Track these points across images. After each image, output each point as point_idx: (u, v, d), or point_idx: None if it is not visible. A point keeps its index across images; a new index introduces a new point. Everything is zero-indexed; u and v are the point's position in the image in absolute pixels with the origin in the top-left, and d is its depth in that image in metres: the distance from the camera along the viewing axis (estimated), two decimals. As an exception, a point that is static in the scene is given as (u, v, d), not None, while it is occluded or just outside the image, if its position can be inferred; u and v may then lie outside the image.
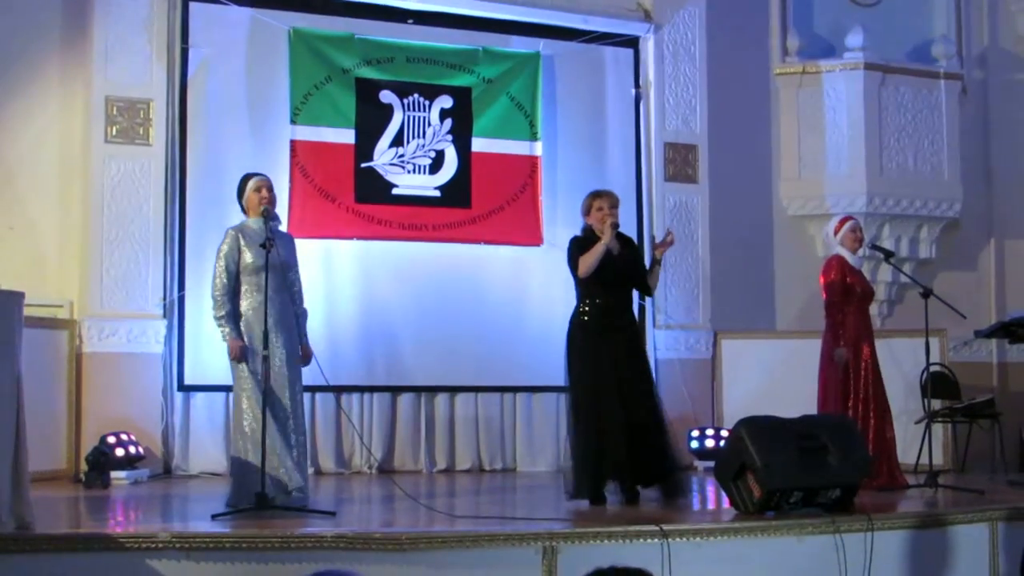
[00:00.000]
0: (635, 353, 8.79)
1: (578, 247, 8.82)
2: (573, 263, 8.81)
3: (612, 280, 8.72)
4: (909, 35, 13.83)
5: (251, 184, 8.56)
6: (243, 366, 8.28)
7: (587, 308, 8.75)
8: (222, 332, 8.38)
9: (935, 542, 7.79)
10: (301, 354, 8.51)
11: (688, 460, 11.42)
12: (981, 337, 12.06)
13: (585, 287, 8.75)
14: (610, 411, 8.45)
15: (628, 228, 10.11)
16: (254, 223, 8.48)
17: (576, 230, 9.03)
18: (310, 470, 10.40)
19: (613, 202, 8.90)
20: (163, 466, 10.90)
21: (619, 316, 8.79)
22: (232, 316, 8.36)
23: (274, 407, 8.18)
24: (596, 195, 8.96)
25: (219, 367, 9.74)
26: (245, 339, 8.28)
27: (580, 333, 8.73)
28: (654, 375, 9.38)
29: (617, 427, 8.41)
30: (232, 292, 8.40)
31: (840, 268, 10.11)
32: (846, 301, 10.04)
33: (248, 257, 8.33)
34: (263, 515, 7.56)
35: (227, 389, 9.93)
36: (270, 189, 8.56)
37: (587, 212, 8.91)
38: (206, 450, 10.96)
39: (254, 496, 7.84)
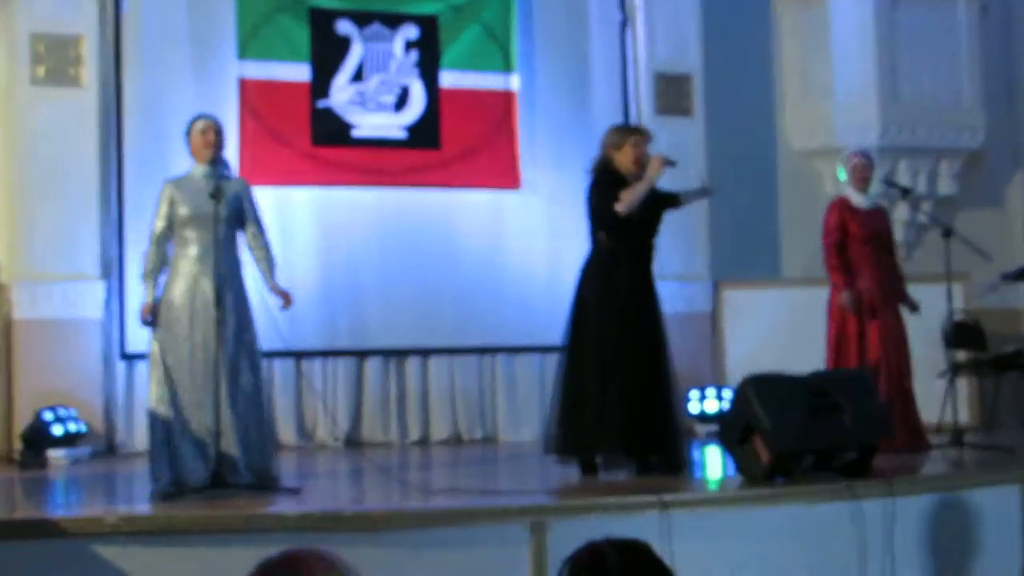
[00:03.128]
0: (653, 309, 8.74)
1: (603, 182, 8.70)
2: (599, 196, 8.67)
3: (637, 222, 8.67)
4: (923, -53, 13.83)
5: (196, 126, 8.51)
6: (157, 333, 8.26)
7: (607, 252, 8.66)
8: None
9: (962, 506, 7.84)
10: (279, 296, 8.43)
11: (689, 425, 11.46)
12: (1008, 281, 12.13)
13: (606, 228, 8.67)
14: (621, 371, 8.44)
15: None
16: (198, 171, 8.43)
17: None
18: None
19: (648, 138, 8.89)
20: (106, 443, 10.91)
21: (641, 265, 8.76)
22: (153, 275, 8.35)
23: (216, 381, 8.19)
24: (631, 130, 8.93)
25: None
26: (178, 302, 8.23)
27: (596, 281, 8.65)
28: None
29: (626, 391, 8.42)
30: (163, 249, 8.39)
31: (838, 209, 10.23)
32: (850, 245, 10.11)
33: (183, 210, 8.28)
34: (220, 495, 7.57)
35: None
36: (218, 132, 8.51)
37: (616, 146, 8.75)
38: (153, 425, 10.95)
39: (166, 482, 7.94)
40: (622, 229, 8.61)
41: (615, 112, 12.33)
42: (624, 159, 8.72)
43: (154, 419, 8.21)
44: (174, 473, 8.04)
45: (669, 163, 8.65)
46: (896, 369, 9.98)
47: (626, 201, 8.55)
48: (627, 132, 8.90)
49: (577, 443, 8.53)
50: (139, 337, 10.76)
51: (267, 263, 8.47)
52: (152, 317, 8.29)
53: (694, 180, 9.57)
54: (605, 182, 8.71)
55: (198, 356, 8.16)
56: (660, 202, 8.86)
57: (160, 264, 8.40)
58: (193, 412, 8.11)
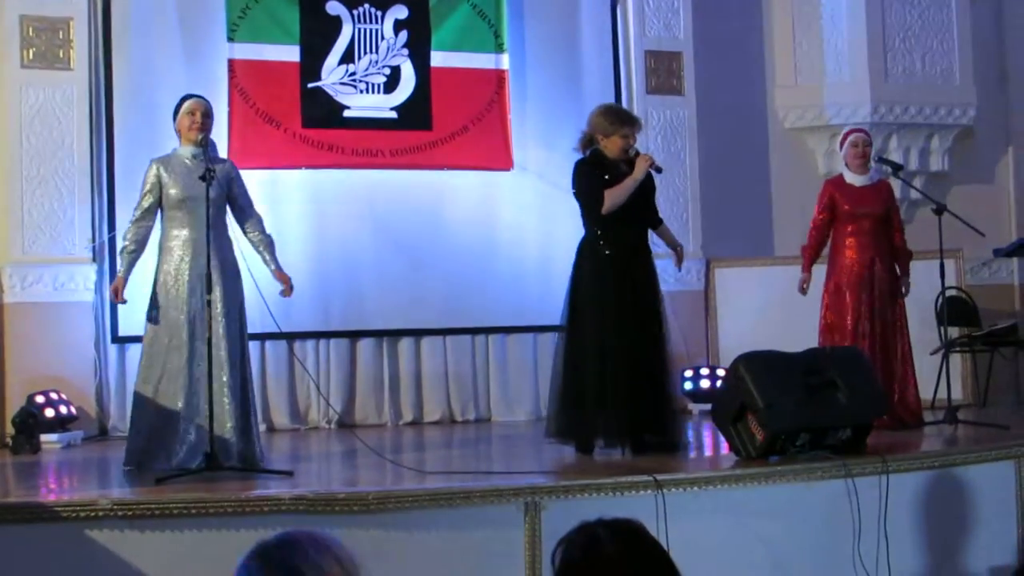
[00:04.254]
0: (650, 289, 8.74)
1: (588, 173, 8.73)
2: (584, 191, 8.71)
3: (630, 207, 8.66)
4: (913, -77, 13.79)
5: (184, 107, 8.52)
6: (149, 315, 8.38)
7: (601, 235, 8.67)
8: None
9: (956, 483, 7.85)
10: (280, 281, 8.56)
11: (682, 404, 11.44)
12: (1001, 256, 12.11)
13: (611, 215, 8.64)
14: (618, 354, 8.43)
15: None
16: (186, 151, 8.46)
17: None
18: (261, 426, 10.44)
19: (637, 130, 8.89)
20: (98, 427, 10.89)
21: (636, 245, 8.75)
22: (129, 252, 8.45)
23: (198, 364, 8.19)
24: (624, 121, 8.85)
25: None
26: (171, 285, 8.30)
27: (591, 262, 8.66)
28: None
29: (623, 373, 8.41)
30: (144, 228, 8.48)
31: (828, 188, 10.28)
32: (841, 223, 10.10)
33: (173, 191, 8.34)
34: (213, 477, 7.56)
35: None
36: (206, 114, 8.50)
37: (605, 134, 8.76)
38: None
39: (141, 456, 8.18)
40: (616, 212, 8.60)
41: (606, 91, 12.28)
42: (612, 147, 8.74)
43: (138, 400, 8.27)
44: (166, 455, 8.08)
45: (656, 169, 8.73)
46: (884, 348, 9.95)
47: (609, 203, 8.59)
48: (618, 123, 8.81)
49: (577, 426, 8.54)
50: (130, 320, 10.68)
51: (267, 246, 8.55)
52: (122, 296, 8.46)
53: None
54: (591, 170, 8.73)
55: (189, 339, 8.18)
56: (651, 188, 8.87)
57: (138, 242, 8.48)
58: (184, 394, 8.14)
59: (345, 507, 6.70)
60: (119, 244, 8.66)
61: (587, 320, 8.58)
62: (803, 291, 10.11)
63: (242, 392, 8.27)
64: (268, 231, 8.67)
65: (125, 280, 8.47)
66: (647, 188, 8.83)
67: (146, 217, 8.46)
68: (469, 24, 12.10)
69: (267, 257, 8.54)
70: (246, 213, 8.60)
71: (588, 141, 8.85)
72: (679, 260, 9.17)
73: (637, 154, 8.75)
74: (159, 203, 8.41)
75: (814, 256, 10.21)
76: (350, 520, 6.66)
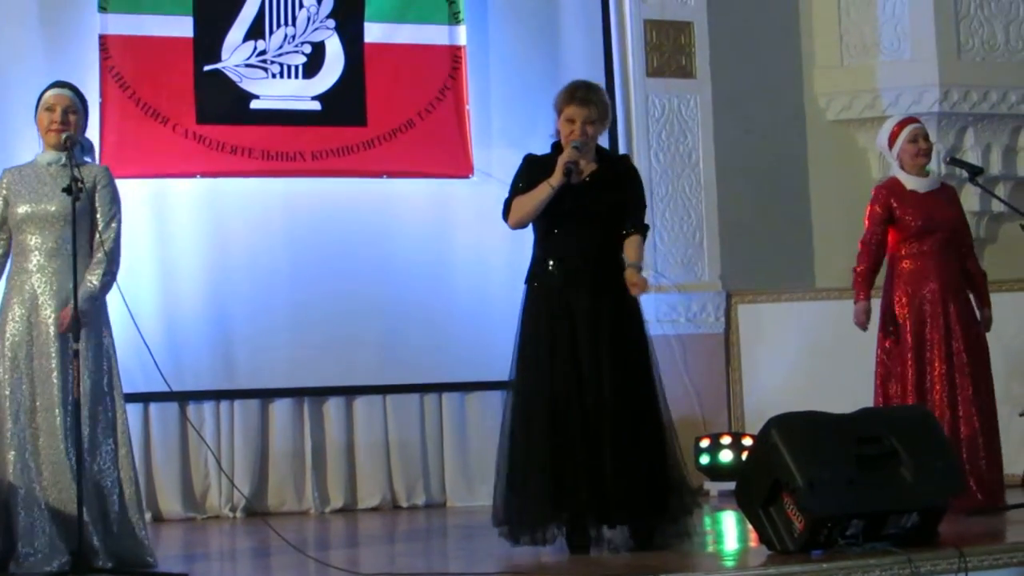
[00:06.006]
0: (620, 324, 8.55)
1: (520, 175, 8.64)
2: (509, 199, 8.63)
3: (581, 218, 8.48)
4: None
5: (42, 100, 8.45)
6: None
7: (543, 260, 8.56)
8: None
9: (1055, 584, 7.87)
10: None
11: (697, 482, 11.42)
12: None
13: (543, 230, 8.55)
14: (571, 412, 8.34)
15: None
16: (44, 157, 8.36)
17: (524, 151, 8.79)
18: (147, 515, 10.40)
19: (590, 114, 8.45)
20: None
21: (593, 271, 8.52)
22: None
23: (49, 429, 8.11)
24: (568, 97, 8.51)
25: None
26: (21, 332, 8.15)
27: (533, 297, 8.58)
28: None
29: (584, 438, 8.33)
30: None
31: (885, 195, 10.13)
32: (905, 240, 10.04)
33: (20, 207, 8.22)
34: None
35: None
36: (70, 110, 8.40)
37: (559, 114, 8.57)
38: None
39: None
40: (563, 225, 8.49)
41: (595, 72, 12.22)
42: (562, 135, 8.57)
43: None
44: (16, 556, 8.00)
45: (567, 174, 8.32)
46: (966, 402, 9.94)
47: (513, 217, 8.57)
48: (563, 99, 8.54)
49: (527, 514, 8.40)
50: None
51: (92, 275, 8.27)
52: None
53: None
54: (527, 168, 8.64)
55: (45, 402, 8.08)
56: (621, 189, 8.69)
57: None
58: (40, 477, 8.04)
59: (255, 621, 6.71)
60: None
61: (531, 370, 8.54)
62: (863, 324, 9.96)
63: (120, 467, 8.21)
64: (107, 266, 8.24)
65: None
66: (606, 186, 8.59)
67: None
68: (414, -14, 12.14)
69: (80, 286, 8.26)
70: (98, 228, 8.40)
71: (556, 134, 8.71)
72: (635, 285, 8.49)
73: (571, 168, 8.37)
74: (6, 223, 8.28)
75: (872, 277, 10.08)
76: (262, 638, 6.66)
